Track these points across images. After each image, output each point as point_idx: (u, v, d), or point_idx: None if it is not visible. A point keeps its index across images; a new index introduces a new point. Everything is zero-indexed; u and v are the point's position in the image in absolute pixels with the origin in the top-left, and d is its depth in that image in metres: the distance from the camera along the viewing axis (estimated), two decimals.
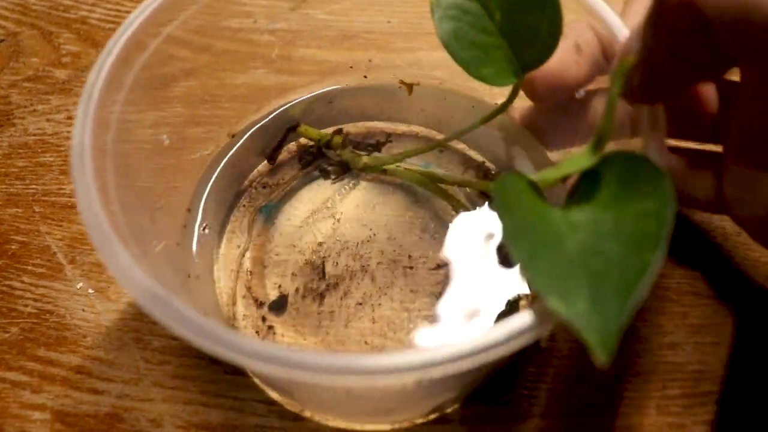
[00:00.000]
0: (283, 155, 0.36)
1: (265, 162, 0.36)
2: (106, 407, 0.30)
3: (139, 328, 0.32)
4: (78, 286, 0.34)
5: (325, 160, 0.35)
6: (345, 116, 0.37)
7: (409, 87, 0.36)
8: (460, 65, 0.25)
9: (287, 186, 0.35)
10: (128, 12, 0.45)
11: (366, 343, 0.30)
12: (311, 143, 0.36)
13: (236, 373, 0.30)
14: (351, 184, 0.35)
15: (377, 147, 0.36)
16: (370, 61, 0.39)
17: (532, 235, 0.19)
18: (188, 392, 0.30)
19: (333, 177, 0.35)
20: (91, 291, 0.34)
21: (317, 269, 0.32)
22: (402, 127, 0.37)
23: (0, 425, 0.30)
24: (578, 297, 0.17)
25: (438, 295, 0.31)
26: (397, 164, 0.33)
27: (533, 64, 0.25)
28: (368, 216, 0.34)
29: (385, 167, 0.34)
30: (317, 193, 0.35)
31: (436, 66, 0.37)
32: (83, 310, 0.33)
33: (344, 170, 0.35)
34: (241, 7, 0.46)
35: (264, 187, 0.35)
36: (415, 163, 0.35)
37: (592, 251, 0.18)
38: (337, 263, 0.32)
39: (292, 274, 0.32)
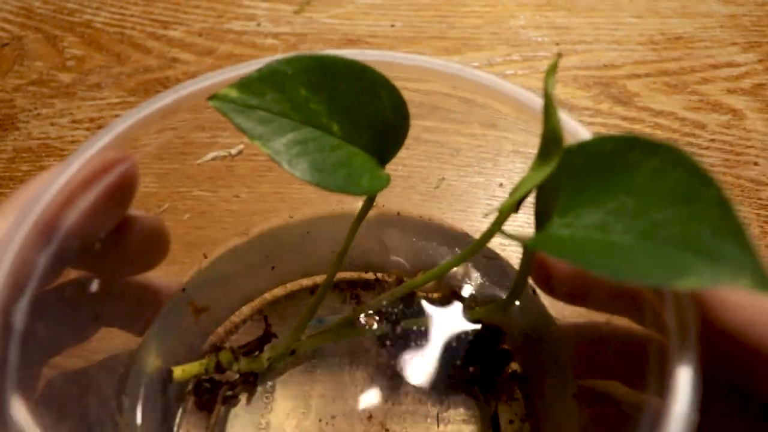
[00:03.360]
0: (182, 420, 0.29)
1: None
2: None
3: None
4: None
5: (225, 387, 0.29)
6: None
7: None
8: (337, 191, 0.23)
9: None
10: (132, 16, 0.46)
11: None
12: (202, 381, 0.30)
13: None
14: (269, 389, 0.30)
15: (266, 336, 0.31)
16: None
17: (594, 254, 0.19)
18: None
19: (245, 397, 0.30)
20: None
21: None
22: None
23: None
24: (695, 265, 0.16)
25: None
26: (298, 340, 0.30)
27: (395, 148, 0.24)
28: (310, 410, 0.29)
29: (292, 348, 0.29)
30: (243, 427, 0.29)
31: None
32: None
33: (252, 382, 0.30)
34: (245, 10, 0.46)
35: None
36: (311, 326, 0.30)
37: (649, 230, 0.17)
38: None
39: None
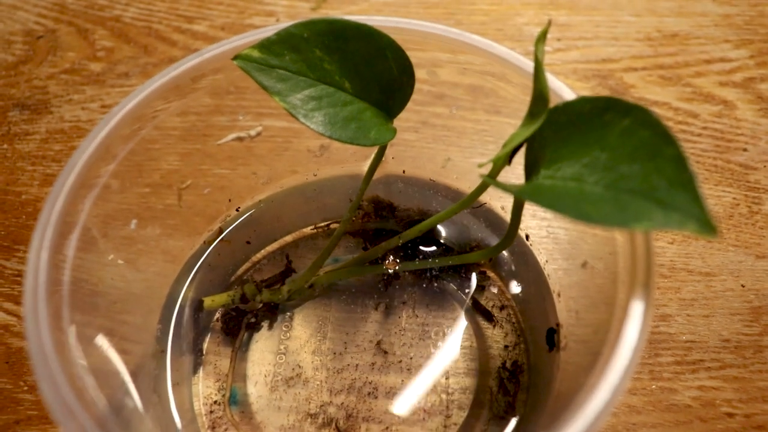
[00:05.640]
0: (209, 344, 0.32)
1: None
2: None
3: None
4: (109, 258, 0.36)
5: (249, 315, 0.32)
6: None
7: None
8: (348, 143, 0.25)
9: (233, 365, 0.31)
10: (159, 11, 0.48)
11: None
12: (229, 309, 0.33)
13: None
14: (288, 318, 0.32)
15: (286, 271, 0.34)
16: None
17: (567, 201, 0.21)
18: None
19: (267, 324, 0.32)
20: (120, 262, 0.36)
21: (326, 424, 0.30)
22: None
23: None
24: (650, 211, 0.18)
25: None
26: (316, 275, 0.32)
27: (401, 104, 0.26)
28: (326, 337, 0.32)
29: (310, 282, 0.32)
30: (263, 351, 0.32)
31: None
32: (112, 279, 0.36)
33: (272, 311, 0.33)
34: (265, 6, 0.49)
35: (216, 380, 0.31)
36: (327, 264, 0.33)
37: (616, 181, 0.19)
38: (340, 404, 0.30)
39: None
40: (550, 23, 0.24)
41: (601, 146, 0.21)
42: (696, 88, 0.42)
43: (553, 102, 0.23)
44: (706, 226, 0.18)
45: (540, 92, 0.24)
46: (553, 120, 0.23)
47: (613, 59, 0.44)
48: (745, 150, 0.39)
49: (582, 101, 0.22)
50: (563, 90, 0.25)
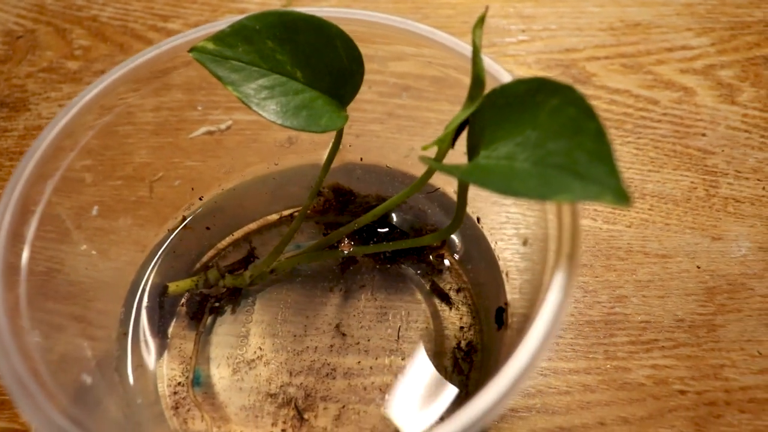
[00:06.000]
0: (174, 328, 0.33)
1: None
2: None
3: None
4: (82, 248, 0.37)
5: (212, 300, 0.33)
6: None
7: None
8: (300, 130, 0.26)
9: (197, 348, 0.32)
10: (135, 11, 0.50)
11: None
12: (193, 294, 0.34)
13: None
14: (251, 303, 0.34)
15: (249, 257, 0.35)
16: None
17: (498, 178, 0.22)
18: None
19: (230, 308, 0.33)
20: (93, 252, 0.37)
21: (285, 403, 0.30)
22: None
23: None
24: (571, 184, 0.19)
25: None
26: (278, 260, 0.33)
27: (352, 92, 0.27)
28: (286, 320, 0.33)
29: (271, 268, 0.33)
30: (226, 334, 0.33)
31: None
32: (86, 269, 0.37)
33: (235, 296, 0.34)
34: (238, 4, 0.50)
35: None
36: (289, 250, 0.34)
37: (543, 157, 0.20)
38: (299, 384, 0.31)
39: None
40: (487, 9, 0.25)
41: (533, 125, 0.22)
42: (657, 76, 0.43)
43: (494, 85, 0.23)
44: (621, 196, 0.19)
45: (477, 76, 0.25)
46: (492, 102, 0.24)
47: (576, 49, 0.44)
48: (703, 135, 0.40)
49: (517, 83, 0.23)
50: (501, 73, 0.26)
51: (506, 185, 0.21)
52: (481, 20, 0.24)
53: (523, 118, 0.22)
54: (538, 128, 0.22)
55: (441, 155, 0.26)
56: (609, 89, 0.42)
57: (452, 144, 0.26)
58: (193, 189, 0.37)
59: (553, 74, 0.43)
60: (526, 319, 0.25)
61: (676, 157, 0.39)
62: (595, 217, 0.37)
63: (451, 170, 0.23)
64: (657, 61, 0.43)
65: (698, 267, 0.35)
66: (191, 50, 0.26)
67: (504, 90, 0.23)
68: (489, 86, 0.24)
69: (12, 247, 0.26)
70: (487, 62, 0.26)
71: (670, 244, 0.36)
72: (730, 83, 0.42)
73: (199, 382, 0.31)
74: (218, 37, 0.26)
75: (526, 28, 0.46)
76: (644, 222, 0.37)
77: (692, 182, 0.38)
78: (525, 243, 0.29)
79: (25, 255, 0.27)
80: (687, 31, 0.45)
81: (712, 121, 0.40)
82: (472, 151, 0.25)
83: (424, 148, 0.26)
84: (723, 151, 0.39)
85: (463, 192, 0.27)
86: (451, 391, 0.30)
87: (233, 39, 0.26)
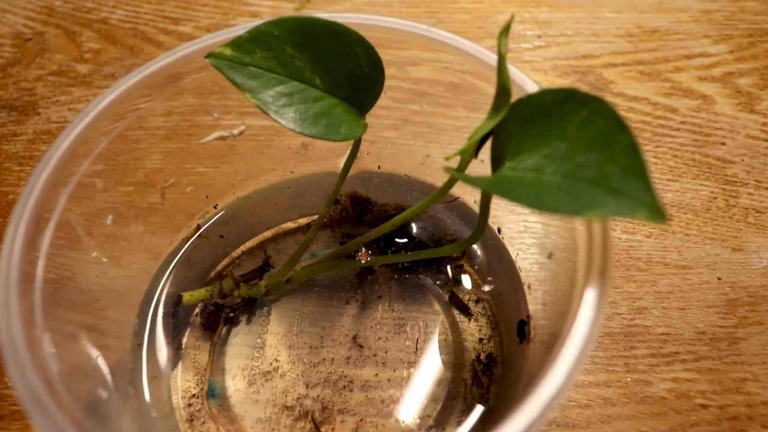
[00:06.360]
0: (189, 338, 0.33)
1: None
2: None
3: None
4: (93, 255, 0.37)
5: (227, 310, 0.33)
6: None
7: None
8: (319, 138, 0.25)
9: (211, 359, 0.32)
10: (146, 13, 0.49)
11: None
12: (208, 304, 0.33)
13: None
14: (266, 313, 0.33)
15: (264, 266, 0.34)
16: None
17: (525, 191, 0.21)
18: None
19: (245, 319, 0.33)
20: (105, 260, 0.37)
21: (302, 416, 0.30)
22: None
23: None
24: (603, 199, 0.19)
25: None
26: (293, 269, 0.32)
27: (372, 99, 0.27)
28: (302, 331, 0.32)
29: (287, 277, 0.32)
30: (242, 345, 0.32)
31: None
32: (97, 277, 0.36)
33: (250, 306, 0.33)
34: (249, 7, 0.49)
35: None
36: (305, 259, 0.33)
37: (572, 170, 0.20)
38: (316, 397, 0.30)
39: None
40: (513, 17, 0.24)
41: (561, 137, 0.21)
42: (675, 83, 0.42)
43: (519, 95, 0.23)
44: (656, 213, 0.18)
45: (503, 85, 0.24)
46: (517, 113, 0.23)
47: (593, 55, 0.44)
48: (723, 144, 0.39)
49: (544, 93, 0.22)
50: (527, 83, 0.26)
51: (534, 199, 0.20)
52: (507, 28, 0.24)
53: (550, 129, 0.22)
54: (566, 140, 0.21)
55: (464, 165, 0.26)
56: (627, 96, 0.42)
57: (475, 155, 0.26)
58: (207, 197, 0.36)
59: (569, 81, 0.42)
60: (553, 335, 0.25)
61: (696, 167, 0.39)
62: (614, 226, 0.37)
63: (475, 182, 0.23)
64: (675, 69, 0.43)
65: (719, 278, 0.35)
66: (208, 56, 0.25)
67: (530, 100, 0.23)
68: (514, 96, 0.24)
69: (27, 255, 0.26)
70: (513, 71, 0.26)
71: (690, 255, 0.36)
72: (750, 91, 0.42)
73: (214, 394, 0.30)
74: (236, 43, 0.26)
75: (542, 33, 0.46)
76: (663, 232, 0.36)
77: (712, 192, 0.38)
78: (550, 256, 0.29)
79: (41, 263, 0.26)
80: (705, 38, 0.45)
81: (731, 129, 0.40)
82: (496, 162, 0.24)
83: (447, 159, 0.25)
84: (743, 160, 0.39)
85: (485, 203, 0.26)
86: (472, 405, 0.29)
87: (251, 45, 0.26)
